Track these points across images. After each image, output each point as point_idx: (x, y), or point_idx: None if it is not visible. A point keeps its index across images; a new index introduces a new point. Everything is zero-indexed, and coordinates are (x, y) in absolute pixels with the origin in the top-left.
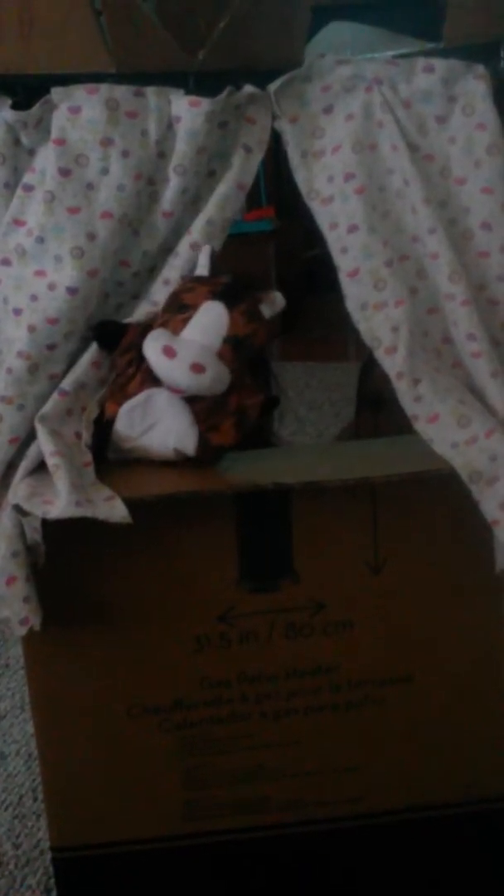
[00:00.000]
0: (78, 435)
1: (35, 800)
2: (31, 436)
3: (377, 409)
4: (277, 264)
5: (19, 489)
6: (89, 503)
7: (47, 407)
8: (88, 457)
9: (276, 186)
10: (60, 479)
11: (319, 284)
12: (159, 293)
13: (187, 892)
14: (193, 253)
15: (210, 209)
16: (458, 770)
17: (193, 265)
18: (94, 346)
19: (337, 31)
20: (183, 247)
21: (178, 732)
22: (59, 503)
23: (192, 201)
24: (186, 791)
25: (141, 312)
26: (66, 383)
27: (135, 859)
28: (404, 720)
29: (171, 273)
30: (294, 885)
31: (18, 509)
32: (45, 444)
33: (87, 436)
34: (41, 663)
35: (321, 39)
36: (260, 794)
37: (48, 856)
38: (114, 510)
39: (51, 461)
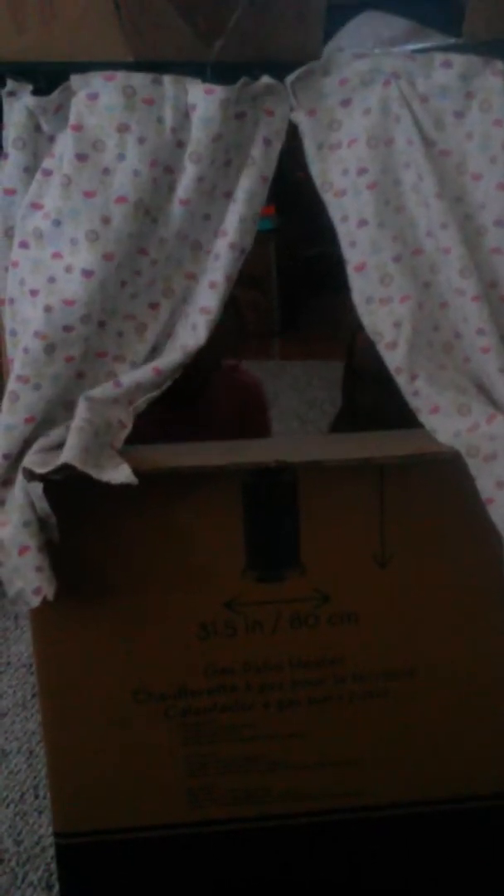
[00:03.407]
0: (122, 423)
1: (36, 797)
2: (46, 419)
3: (360, 380)
4: (278, 262)
5: (31, 458)
6: (96, 466)
7: (97, 390)
8: (118, 442)
9: (277, 184)
10: (76, 437)
11: (320, 283)
12: (208, 299)
13: (189, 880)
14: (233, 253)
15: (239, 205)
16: (461, 766)
17: (235, 266)
18: (163, 357)
19: (365, 25)
20: (223, 248)
21: (182, 719)
22: (65, 453)
23: (209, 191)
24: (189, 779)
25: (197, 320)
26: (124, 377)
27: (137, 846)
28: (407, 714)
29: (216, 276)
30: (295, 875)
31: (26, 472)
32: (81, 411)
33: (129, 426)
34: (49, 646)
35: (347, 32)
36: (261, 784)
37: (50, 852)
38: (119, 473)
39: (76, 424)
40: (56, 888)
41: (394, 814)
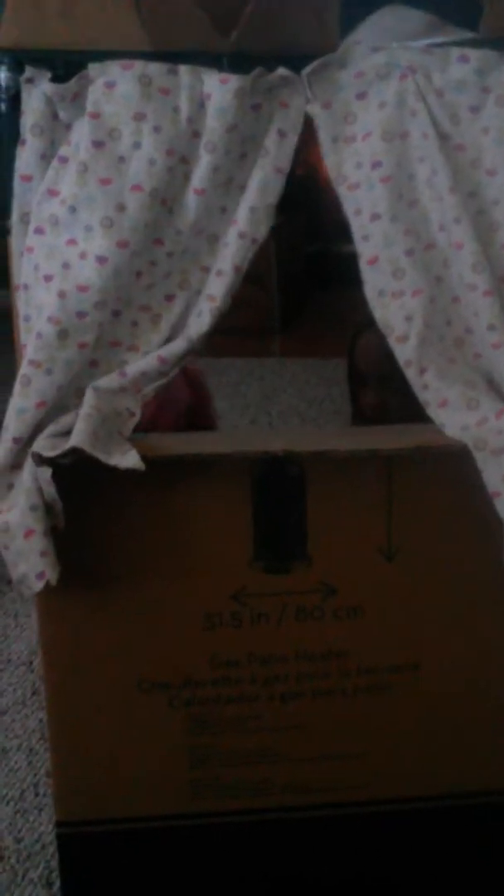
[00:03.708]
0: (130, 411)
1: (36, 794)
2: (57, 405)
3: (364, 385)
4: (278, 260)
5: (41, 443)
6: (105, 451)
7: (103, 380)
8: (127, 431)
9: None
10: (84, 423)
11: (320, 280)
12: (214, 287)
13: (190, 871)
14: (242, 242)
15: (251, 195)
16: (466, 760)
17: (244, 255)
18: (168, 345)
19: (385, 18)
20: (232, 237)
21: (186, 710)
22: (73, 437)
23: (225, 182)
24: (192, 770)
25: (203, 307)
26: (129, 367)
27: (139, 836)
28: (412, 708)
29: (223, 264)
30: (297, 868)
31: (36, 456)
32: (89, 399)
33: (137, 414)
34: (55, 634)
35: (367, 25)
36: (265, 776)
37: (50, 850)
38: (126, 458)
39: (85, 411)
40: (56, 885)
41: (398, 808)
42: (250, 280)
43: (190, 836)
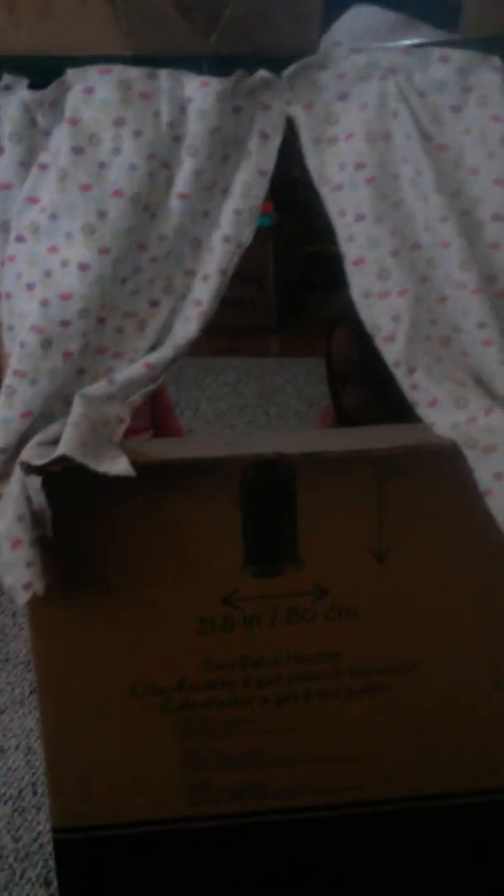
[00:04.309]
0: (119, 418)
1: (35, 794)
2: (43, 413)
3: (344, 385)
4: (276, 260)
5: (29, 452)
6: (94, 459)
7: (92, 388)
8: (117, 437)
9: (276, 181)
10: (72, 431)
11: (318, 280)
12: (200, 291)
13: (187, 875)
14: (227, 246)
15: (235, 198)
16: (460, 760)
17: (230, 259)
18: (156, 352)
19: (358, 18)
20: (216, 241)
21: (179, 714)
22: (61, 446)
23: (208, 186)
24: (187, 774)
25: (190, 313)
26: (117, 374)
27: (136, 841)
28: (406, 709)
29: (209, 268)
30: (294, 870)
31: (24, 465)
32: (77, 407)
33: (127, 420)
34: (47, 637)
35: (341, 26)
36: (260, 779)
37: (48, 849)
38: (116, 464)
39: (73, 419)
40: (54, 885)
41: (393, 808)
42: (248, 280)
43: (186, 840)
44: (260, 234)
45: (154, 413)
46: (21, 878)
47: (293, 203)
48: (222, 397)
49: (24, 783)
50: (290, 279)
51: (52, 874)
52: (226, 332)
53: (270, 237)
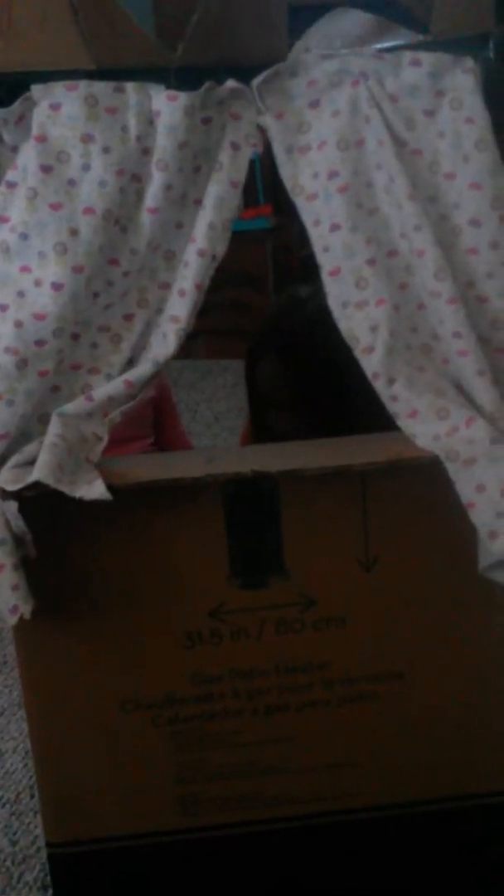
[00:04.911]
0: (97, 436)
1: (32, 797)
2: (21, 434)
3: (268, 409)
4: (275, 262)
5: (5, 475)
6: (70, 483)
7: (70, 406)
8: (95, 456)
9: (274, 184)
10: (48, 454)
11: (317, 282)
12: (177, 307)
13: (183, 887)
14: (202, 260)
15: (208, 212)
16: (451, 766)
17: (205, 273)
18: (135, 369)
19: (332, 22)
20: (191, 255)
21: (170, 728)
22: (36, 471)
23: (179, 198)
24: (179, 786)
25: (167, 329)
26: (96, 391)
27: (130, 854)
28: (397, 716)
29: (185, 283)
30: (289, 879)
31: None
32: (54, 427)
33: (105, 438)
34: (34, 657)
35: (315, 31)
36: (253, 789)
37: (45, 852)
38: (92, 488)
39: (49, 440)
40: (51, 889)
41: (386, 815)
42: (247, 282)
43: (180, 851)
44: (259, 236)
45: (157, 419)
46: (18, 881)
47: (292, 205)
48: (221, 399)
49: (21, 786)
50: (290, 281)
51: (49, 878)
52: (224, 334)
53: (269, 239)
